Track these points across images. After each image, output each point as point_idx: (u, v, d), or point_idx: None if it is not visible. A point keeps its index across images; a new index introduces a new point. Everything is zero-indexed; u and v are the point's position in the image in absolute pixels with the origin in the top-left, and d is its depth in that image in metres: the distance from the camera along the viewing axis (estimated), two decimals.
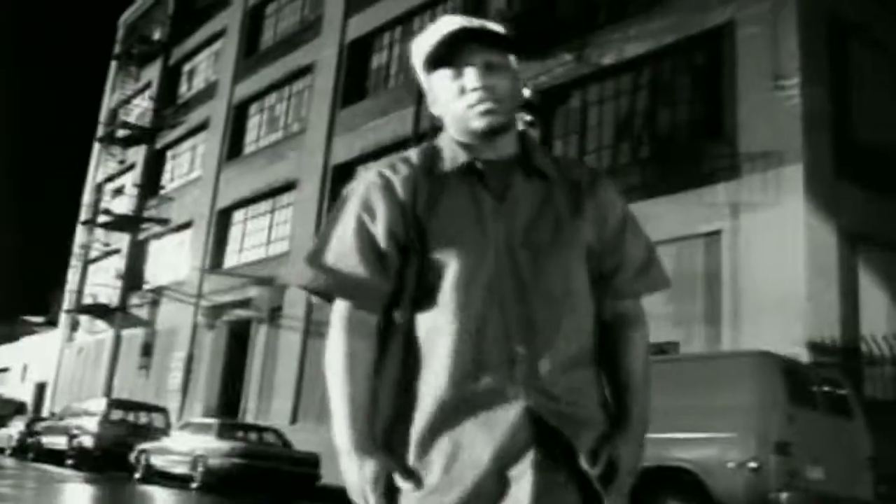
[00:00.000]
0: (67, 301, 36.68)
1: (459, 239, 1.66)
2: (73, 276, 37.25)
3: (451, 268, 1.64)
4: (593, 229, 1.77)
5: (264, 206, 25.44)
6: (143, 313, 30.09)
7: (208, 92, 30.34)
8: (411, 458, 1.60)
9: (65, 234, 41.29)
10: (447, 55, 1.73)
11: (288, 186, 24.10)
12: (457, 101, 1.73)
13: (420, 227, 1.67)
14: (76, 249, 37.62)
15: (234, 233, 26.83)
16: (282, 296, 22.41)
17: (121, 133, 34.36)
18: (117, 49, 38.76)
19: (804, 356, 11.47)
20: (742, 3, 13.91)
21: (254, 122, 27.66)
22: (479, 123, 1.71)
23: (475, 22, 1.73)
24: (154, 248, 31.66)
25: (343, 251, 1.69)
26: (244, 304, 24.15)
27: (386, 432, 1.65)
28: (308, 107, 24.39)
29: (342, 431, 1.62)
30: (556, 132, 16.86)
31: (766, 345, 9.48)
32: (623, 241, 1.80)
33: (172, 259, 29.59)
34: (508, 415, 1.57)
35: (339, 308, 1.68)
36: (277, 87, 26.54)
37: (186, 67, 33.34)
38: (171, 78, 33.88)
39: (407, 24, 21.59)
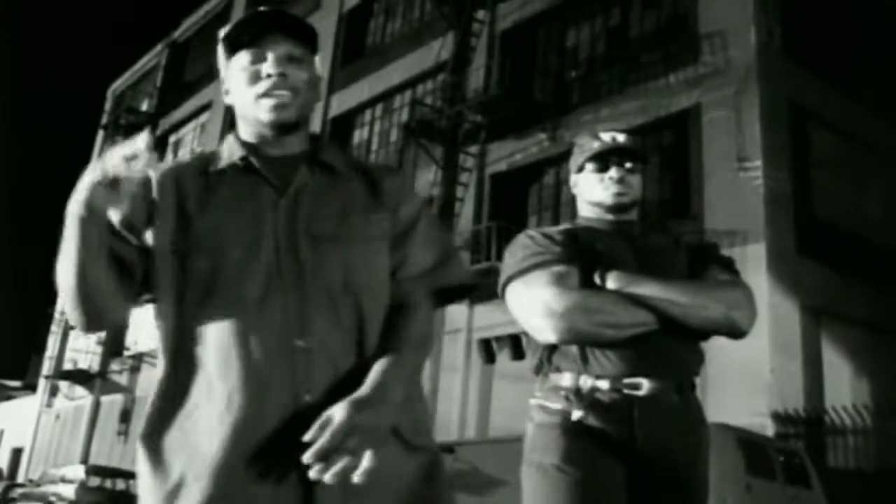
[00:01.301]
0: (47, 367, 36.65)
1: (232, 233, 1.60)
2: (53, 342, 37.29)
3: (224, 262, 1.58)
4: (387, 220, 1.73)
5: None
6: (122, 380, 30.14)
7: None
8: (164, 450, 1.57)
9: (44, 301, 41.24)
10: (249, 40, 1.70)
11: None
12: (250, 87, 1.69)
13: (187, 223, 1.62)
14: (57, 316, 37.75)
15: None
16: None
17: None
18: (105, 118, 39.35)
19: (769, 427, 11.90)
20: (707, 88, 14.59)
21: None
22: (267, 116, 1.68)
23: (285, 11, 1.72)
24: (135, 315, 31.74)
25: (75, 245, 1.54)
26: None
27: (149, 418, 1.61)
28: None
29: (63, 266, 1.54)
30: (531, 208, 17.44)
31: (731, 416, 9.90)
32: (411, 237, 1.76)
33: (153, 326, 29.73)
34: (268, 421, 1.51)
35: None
36: None
37: (173, 139, 33.87)
38: (157, 148, 34.12)
39: (388, 101, 22.27)
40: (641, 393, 2.39)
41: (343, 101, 23.74)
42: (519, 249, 2.52)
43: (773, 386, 12.45)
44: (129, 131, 36.11)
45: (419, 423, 1.69)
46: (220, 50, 1.76)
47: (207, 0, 33.71)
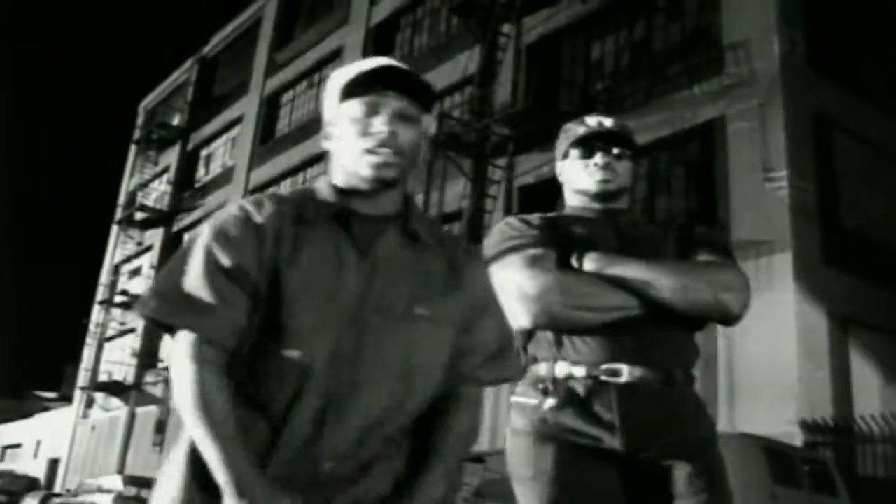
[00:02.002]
0: (82, 378, 37.21)
1: (313, 291, 1.58)
2: (88, 354, 37.84)
3: (299, 320, 1.56)
4: (461, 307, 1.71)
5: None
6: (157, 391, 30.58)
7: (225, 177, 31.32)
8: None
9: (79, 312, 41.88)
10: (366, 90, 1.68)
11: None
12: (357, 139, 1.66)
13: (277, 274, 1.59)
14: (92, 328, 38.28)
15: None
16: None
17: (139, 216, 35.28)
18: (137, 134, 39.90)
19: (797, 436, 12.00)
20: (732, 100, 14.71)
21: None
22: (368, 172, 1.65)
23: (404, 67, 1.70)
24: None
25: (189, 280, 1.57)
26: None
27: None
28: None
29: (223, 472, 1.48)
30: None
31: (759, 425, 10.04)
32: (479, 325, 1.74)
33: None
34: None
35: (184, 340, 1.56)
36: (292, 174, 27.40)
37: (204, 153, 34.40)
38: (189, 162, 34.93)
39: None
40: (621, 380, 2.24)
41: None
42: (496, 235, 2.42)
43: (801, 395, 12.52)
44: (162, 146, 36.67)
45: None
46: (333, 92, 1.74)
47: (236, 16, 34.19)
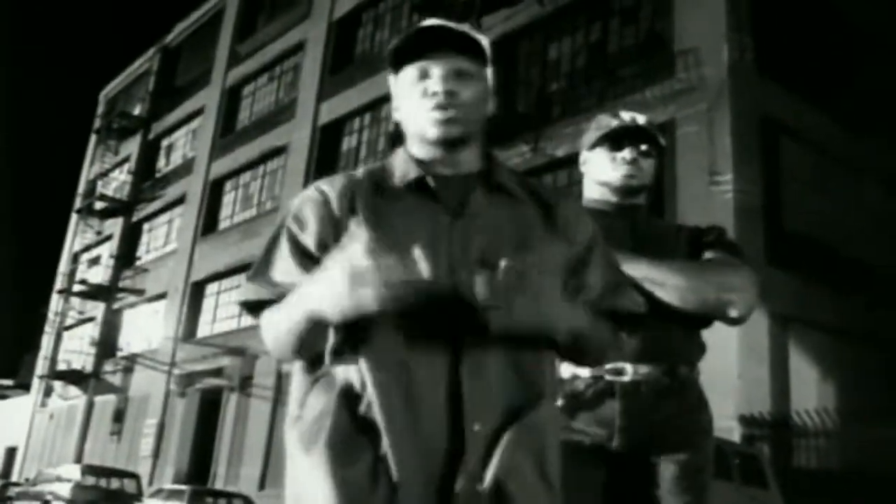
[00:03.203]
0: (41, 367, 37.07)
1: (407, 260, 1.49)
2: (47, 343, 37.69)
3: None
4: (564, 251, 1.68)
5: (237, 279, 26.16)
6: (116, 380, 30.63)
7: (186, 167, 31.29)
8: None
9: (37, 301, 41.54)
10: (416, 54, 1.67)
11: None
12: (418, 104, 1.66)
13: None
14: (51, 317, 38.13)
15: (208, 304, 27.57)
16: (253, 366, 23.18)
17: (99, 205, 35.18)
18: (97, 123, 39.68)
19: (736, 430, 12.47)
20: (682, 104, 15.10)
21: (229, 199, 28.60)
22: (433, 132, 1.64)
23: (454, 25, 1.68)
24: (128, 316, 32.29)
25: (277, 262, 1.62)
26: (216, 372, 24.85)
27: None
28: (282, 186, 25.36)
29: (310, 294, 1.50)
30: None
31: None
32: (587, 266, 1.72)
33: (146, 328, 30.24)
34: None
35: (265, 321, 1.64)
36: (252, 166, 27.55)
37: (165, 143, 34.33)
38: (149, 152, 34.80)
39: (375, 111, 22.78)
40: (625, 378, 2.25)
41: (332, 109, 24.23)
42: None
43: (741, 391, 12.96)
44: (122, 135, 36.56)
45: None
46: (389, 65, 1.74)
47: (199, 5, 34.12)
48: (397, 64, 1.71)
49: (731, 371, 12.90)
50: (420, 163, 1.68)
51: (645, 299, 2.10)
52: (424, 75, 1.66)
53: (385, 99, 22.40)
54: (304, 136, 24.79)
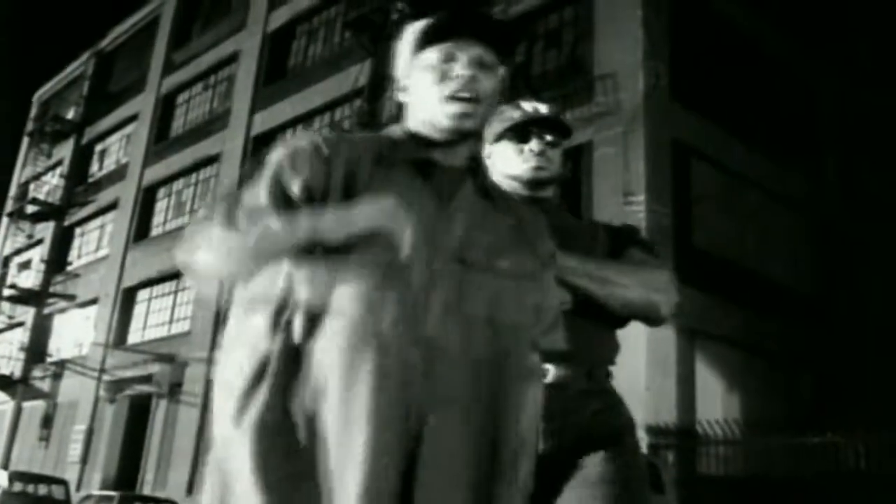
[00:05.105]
0: None
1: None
2: None
3: (375, 260, 1.49)
4: (533, 263, 1.68)
5: (168, 286, 26.33)
6: (45, 386, 30.43)
7: (119, 173, 31.22)
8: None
9: None
10: (444, 36, 1.66)
11: None
12: (436, 86, 1.64)
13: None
14: None
15: (138, 311, 27.62)
16: (182, 373, 23.39)
17: (30, 208, 34.84)
18: (30, 125, 39.29)
19: (643, 439, 13.12)
20: (599, 127, 15.64)
21: (161, 206, 28.66)
22: (448, 122, 1.63)
23: (482, 11, 1.69)
24: (59, 322, 32.11)
25: (255, 204, 1.55)
26: (146, 379, 24.96)
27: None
28: (214, 195, 25.49)
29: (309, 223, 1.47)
30: None
31: None
32: (544, 286, 1.72)
33: (77, 333, 30.14)
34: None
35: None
36: (186, 174, 27.65)
37: (98, 147, 34.15)
38: (82, 157, 34.60)
39: (307, 123, 23.12)
40: (547, 380, 2.13)
41: (265, 120, 24.51)
42: None
43: (648, 401, 13.47)
44: (55, 139, 36.30)
45: None
46: (406, 45, 1.71)
47: (135, 11, 34.05)
48: (420, 45, 1.68)
49: (640, 382, 13.38)
50: (419, 144, 1.66)
51: (572, 297, 2.14)
52: (448, 58, 1.64)
53: (317, 112, 22.85)
54: (238, 146, 25.05)
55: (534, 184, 2.36)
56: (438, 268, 1.53)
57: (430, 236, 1.54)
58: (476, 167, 1.70)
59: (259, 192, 1.55)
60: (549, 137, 2.37)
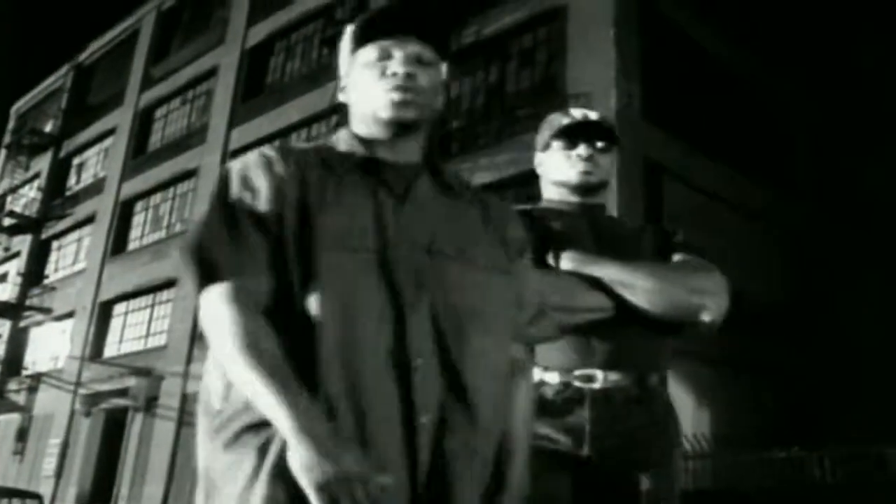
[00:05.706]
0: None
1: (356, 234, 1.50)
2: None
3: (342, 267, 1.47)
4: (501, 251, 1.67)
5: (145, 300, 26.33)
6: (20, 399, 30.28)
7: (96, 187, 31.16)
8: None
9: None
10: (381, 34, 1.65)
11: (169, 284, 25.06)
12: (375, 83, 1.63)
13: (308, 218, 1.51)
14: None
15: (115, 324, 27.57)
16: (158, 387, 23.39)
17: (7, 221, 34.66)
18: (8, 138, 39.11)
19: None
20: None
21: (139, 220, 28.63)
22: (387, 113, 1.61)
23: (417, 7, 1.67)
24: (35, 335, 31.99)
25: (220, 227, 1.53)
26: (122, 393, 24.89)
27: None
28: (192, 209, 25.57)
29: (281, 414, 1.36)
30: None
31: None
32: (520, 278, 1.69)
33: (53, 347, 30.03)
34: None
35: (215, 290, 1.48)
36: (163, 188, 27.63)
37: (76, 161, 34.07)
38: (60, 170, 34.49)
39: (285, 138, 23.16)
40: (596, 386, 2.17)
41: (243, 136, 24.54)
42: None
43: None
44: (33, 152, 36.18)
45: None
46: (345, 44, 1.72)
47: (114, 25, 34.05)
48: (357, 43, 1.69)
49: None
50: (366, 144, 1.65)
51: (615, 303, 2.15)
52: (385, 56, 1.65)
53: (294, 128, 22.96)
54: (215, 161, 25.07)
55: (583, 189, 2.42)
56: (404, 262, 1.52)
57: (392, 233, 1.53)
58: (428, 163, 1.69)
59: (222, 234, 1.53)
60: (598, 144, 2.42)
